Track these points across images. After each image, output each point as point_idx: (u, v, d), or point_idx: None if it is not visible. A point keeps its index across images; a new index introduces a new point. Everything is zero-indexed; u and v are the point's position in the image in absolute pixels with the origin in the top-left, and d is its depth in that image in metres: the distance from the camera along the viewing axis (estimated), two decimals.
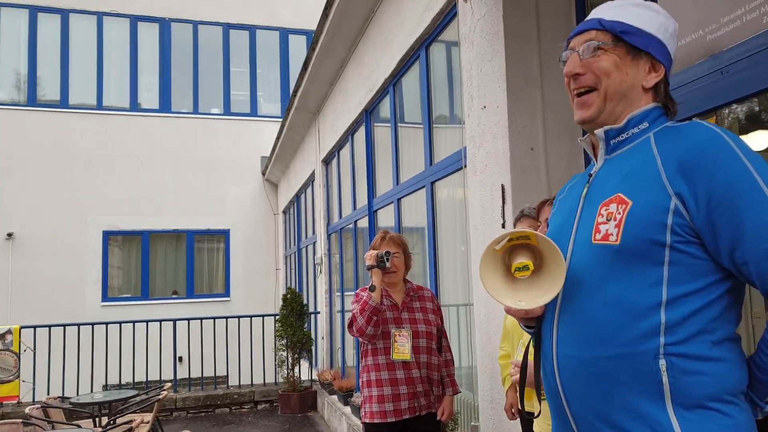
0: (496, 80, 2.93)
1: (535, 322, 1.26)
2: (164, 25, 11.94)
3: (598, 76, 1.19)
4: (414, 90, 4.63)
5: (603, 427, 1.09)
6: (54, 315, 9.95)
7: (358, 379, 6.21)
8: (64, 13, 11.41)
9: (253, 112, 12.44)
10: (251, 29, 12.49)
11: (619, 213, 1.10)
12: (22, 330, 7.02)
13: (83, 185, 11.11)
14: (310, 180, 8.87)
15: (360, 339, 2.77)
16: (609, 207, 1.13)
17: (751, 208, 1.00)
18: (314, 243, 8.59)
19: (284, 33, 12.69)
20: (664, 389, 1.02)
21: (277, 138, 9.73)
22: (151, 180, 11.51)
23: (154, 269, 11.58)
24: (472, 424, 3.31)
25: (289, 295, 7.81)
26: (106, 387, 8.16)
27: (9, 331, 6.91)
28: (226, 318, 8.49)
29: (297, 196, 10.36)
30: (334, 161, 7.48)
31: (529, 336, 1.34)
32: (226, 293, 11.91)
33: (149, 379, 7.95)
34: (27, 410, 4.37)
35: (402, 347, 2.66)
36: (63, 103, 11.30)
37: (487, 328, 3.02)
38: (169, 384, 5.68)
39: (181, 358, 8.15)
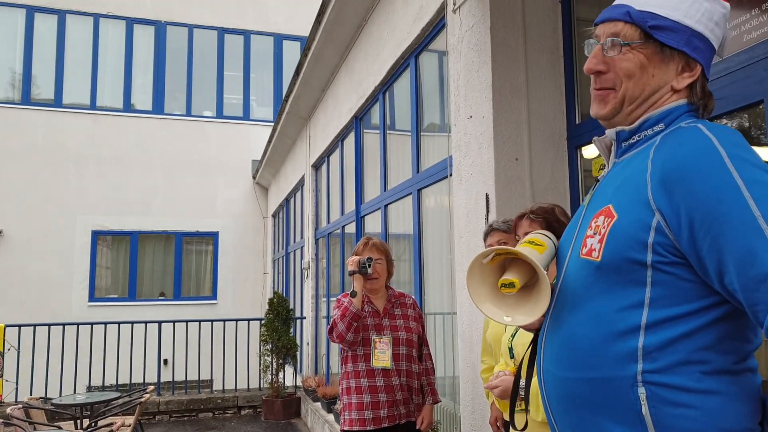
0: (482, 90, 2.96)
1: (534, 333, 1.22)
2: (160, 28, 11.95)
3: (618, 76, 1.06)
4: (403, 98, 4.66)
5: None
6: (40, 314, 9.87)
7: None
8: (61, 14, 11.40)
9: (246, 115, 12.45)
10: (246, 34, 12.53)
11: (604, 227, 1.01)
12: (7, 328, 6.95)
13: (74, 184, 11.07)
14: (300, 184, 8.87)
15: (340, 345, 2.76)
16: (598, 219, 1.04)
17: (736, 230, 0.87)
18: (302, 247, 8.58)
19: (278, 39, 12.74)
20: (646, 420, 0.93)
21: (269, 142, 9.74)
22: (142, 181, 11.47)
23: (141, 270, 11.52)
24: None
25: (275, 300, 7.78)
26: (89, 388, 8.08)
27: None
28: (212, 321, 8.45)
29: (286, 200, 10.35)
30: (324, 166, 7.49)
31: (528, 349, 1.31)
32: (213, 296, 11.86)
33: (133, 381, 7.88)
34: (8, 410, 4.32)
35: (382, 354, 2.66)
36: (57, 102, 11.27)
37: (470, 337, 3.03)
38: (153, 387, 5.64)
39: (166, 361, 8.11)
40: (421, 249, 4.16)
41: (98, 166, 11.25)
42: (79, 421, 5.05)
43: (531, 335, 1.51)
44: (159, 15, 11.92)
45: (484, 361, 2.55)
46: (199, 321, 8.33)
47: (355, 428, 2.67)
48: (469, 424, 3.04)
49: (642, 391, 0.93)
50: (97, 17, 11.60)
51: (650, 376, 0.93)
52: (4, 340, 6.85)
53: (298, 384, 8.02)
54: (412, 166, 4.29)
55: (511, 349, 2.05)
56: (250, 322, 8.33)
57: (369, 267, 2.72)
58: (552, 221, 1.88)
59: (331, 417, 5.90)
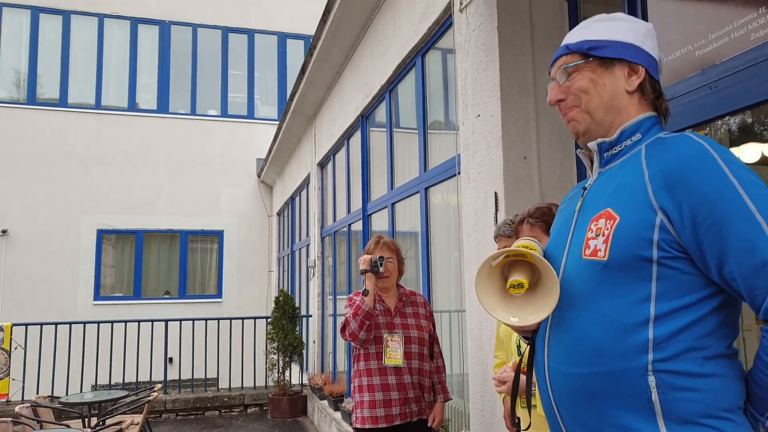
0: (490, 89, 2.97)
1: (530, 334, 1.26)
2: (164, 27, 11.98)
3: (577, 96, 1.21)
4: (410, 96, 4.67)
5: None
6: (45, 312, 9.92)
7: (349, 385, 6.22)
8: (66, 15, 11.45)
9: (250, 114, 12.48)
10: (250, 33, 12.55)
11: (607, 229, 1.09)
12: (14, 327, 6.99)
13: (79, 183, 11.12)
14: (305, 183, 8.89)
15: (352, 343, 2.78)
16: (598, 222, 1.12)
17: (736, 224, 0.97)
18: (308, 246, 8.61)
19: (282, 37, 12.76)
20: (655, 406, 1.01)
21: (274, 141, 9.76)
22: (147, 180, 11.51)
23: (147, 269, 11.56)
24: None
25: (281, 298, 7.81)
26: (95, 387, 8.13)
27: (0, 328, 6.88)
28: (218, 319, 8.48)
29: (291, 199, 10.37)
30: (330, 165, 7.50)
31: (525, 347, 1.35)
32: (219, 294, 11.90)
33: (139, 379, 7.93)
34: (17, 409, 4.36)
35: (394, 352, 2.68)
36: (62, 102, 11.31)
37: (480, 335, 3.05)
38: (160, 385, 5.67)
39: (171, 359, 8.14)
40: (429, 247, 4.17)
41: (103, 166, 11.30)
42: (87, 419, 5.09)
43: None
44: (163, 15, 11.95)
45: (497, 356, 2.58)
46: (206, 319, 8.37)
47: (367, 426, 2.69)
48: (478, 422, 3.06)
49: (652, 380, 1.01)
50: (101, 17, 11.64)
51: (659, 364, 1.01)
52: (11, 339, 6.90)
53: (304, 382, 8.05)
54: (420, 164, 4.31)
55: (518, 347, 2.08)
56: (257, 320, 8.36)
57: (381, 266, 2.74)
58: (551, 221, 1.91)
59: (338, 415, 5.92)
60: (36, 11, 11.28)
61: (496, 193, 2.89)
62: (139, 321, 7.88)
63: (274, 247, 12.23)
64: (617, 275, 1.06)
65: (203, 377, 8.35)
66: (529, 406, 1.87)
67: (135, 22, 11.82)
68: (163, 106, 11.87)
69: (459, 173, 3.39)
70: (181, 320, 8.04)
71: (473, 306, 3.11)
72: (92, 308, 10.84)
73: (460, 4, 3.29)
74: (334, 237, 7.28)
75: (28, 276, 10.58)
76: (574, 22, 2.91)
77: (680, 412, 1.00)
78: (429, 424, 2.83)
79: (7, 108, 10.95)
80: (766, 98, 1.80)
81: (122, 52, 11.74)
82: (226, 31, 12.38)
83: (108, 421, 4.85)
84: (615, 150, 1.19)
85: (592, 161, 1.27)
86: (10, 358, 6.85)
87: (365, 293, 2.71)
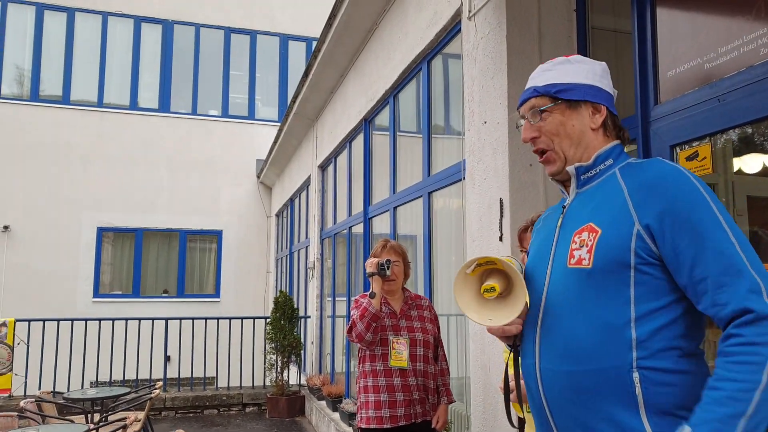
0: (497, 97, 3.01)
1: (511, 341, 1.37)
2: (167, 26, 12.00)
3: (549, 138, 1.34)
4: (414, 101, 4.71)
5: None
6: (45, 309, 9.92)
7: (347, 385, 6.25)
8: (70, 12, 11.46)
9: (251, 115, 12.51)
10: (252, 34, 12.59)
11: (590, 240, 1.22)
12: (17, 323, 7.01)
13: (80, 181, 11.12)
14: (306, 184, 8.92)
15: (359, 344, 2.82)
16: (581, 235, 1.25)
17: (714, 233, 1.10)
18: (307, 247, 8.63)
19: (284, 39, 12.79)
20: (638, 399, 1.12)
21: (274, 142, 9.78)
22: (147, 178, 11.53)
23: (146, 267, 11.57)
24: None
25: (280, 299, 7.84)
26: (95, 383, 8.13)
27: (4, 324, 6.90)
28: (218, 319, 8.50)
29: (291, 200, 10.40)
30: (331, 167, 7.54)
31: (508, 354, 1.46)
32: (216, 294, 11.92)
33: (139, 377, 7.94)
34: (22, 404, 4.39)
35: (399, 354, 2.72)
36: (64, 99, 11.32)
37: (482, 338, 3.08)
38: (161, 383, 5.69)
39: (169, 358, 8.15)
40: (431, 251, 4.21)
41: (104, 163, 11.31)
42: (90, 415, 5.11)
43: None
44: (166, 14, 11.97)
45: (506, 350, 2.62)
46: (206, 318, 8.39)
47: (372, 426, 2.73)
48: (479, 425, 3.10)
49: (636, 376, 1.12)
50: (105, 15, 11.66)
51: (642, 362, 1.13)
52: (14, 334, 6.91)
53: (302, 382, 8.08)
54: (423, 169, 4.34)
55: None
56: (255, 320, 8.38)
57: (388, 269, 2.78)
58: None
59: (336, 415, 5.95)
60: (41, 8, 11.30)
61: (501, 200, 2.93)
62: (140, 319, 7.90)
63: (273, 248, 12.25)
64: (601, 281, 1.19)
65: (202, 376, 8.37)
66: (521, 405, 1.91)
67: (138, 20, 11.84)
68: (164, 105, 11.89)
69: (464, 179, 3.43)
70: (181, 319, 8.07)
71: None
72: (91, 305, 10.84)
73: (469, 11, 3.33)
74: (333, 239, 7.31)
75: (29, 272, 10.58)
76: (582, 32, 2.95)
77: (660, 405, 1.11)
78: (433, 426, 2.86)
79: (10, 104, 10.96)
80: None
81: (125, 50, 11.76)
82: (229, 31, 12.41)
83: (110, 418, 4.87)
84: (590, 173, 1.33)
85: (563, 184, 1.40)
86: (13, 353, 6.86)
87: (372, 296, 2.74)
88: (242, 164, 12.22)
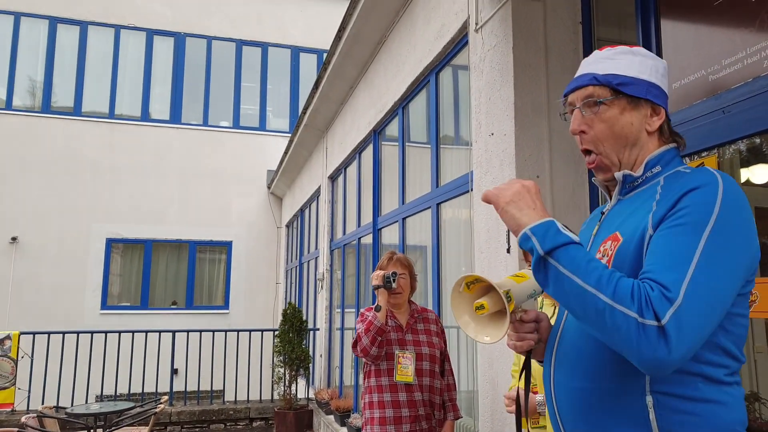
0: (504, 109, 3.00)
1: (525, 354, 1.32)
2: (179, 39, 12.15)
3: (598, 139, 1.22)
4: (422, 113, 4.71)
5: None
6: (52, 320, 9.97)
7: (356, 400, 6.19)
8: (83, 25, 11.64)
9: (262, 126, 12.59)
10: (264, 46, 12.71)
11: (611, 249, 1.14)
12: (21, 336, 7.02)
13: (90, 192, 11.22)
14: (315, 195, 8.94)
15: (364, 359, 2.79)
16: (606, 244, 1.17)
17: (683, 234, 1.01)
18: (316, 258, 8.63)
19: (295, 51, 12.91)
20: (652, 426, 1.03)
21: (285, 153, 9.83)
22: (157, 189, 11.61)
23: (154, 278, 11.61)
24: None
25: (289, 311, 7.81)
26: (100, 398, 8.13)
27: (8, 337, 6.90)
28: (226, 331, 8.49)
29: (301, 211, 10.42)
30: (341, 178, 7.55)
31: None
32: (226, 306, 11.92)
33: (145, 390, 7.92)
34: (23, 419, 4.38)
35: (405, 369, 2.68)
36: (76, 111, 11.46)
37: (490, 352, 3.05)
38: (166, 397, 5.67)
39: (176, 370, 8.15)
40: (440, 262, 4.19)
41: (115, 175, 11.41)
42: (92, 431, 5.10)
43: None
44: (179, 27, 12.13)
45: (515, 363, 2.59)
46: (213, 331, 8.38)
47: None
48: None
49: (650, 400, 1.04)
50: (118, 29, 11.83)
51: (657, 385, 1.04)
52: (18, 347, 6.91)
53: (310, 396, 8.03)
54: (432, 180, 4.33)
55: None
56: (264, 332, 8.37)
57: (393, 282, 2.75)
58: None
59: (344, 430, 5.90)
60: (54, 21, 11.49)
61: None
62: (146, 331, 7.91)
63: (282, 259, 12.26)
64: None
65: (209, 389, 8.35)
66: (526, 420, 1.90)
67: (151, 33, 12.00)
68: (175, 116, 12.01)
69: (471, 190, 3.42)
70: (188, 331, 8.06)
71: None
72: (99, 317, 10.88)
73: (476, 24, 3.34)
74: (343, 250, 7.30)
75: (37, 283, 10.64)
76: (587, 44, 2.94)
77: None
78: None
79: (22, 116, 11.10)
80: None
81: (137, 62, 11.90)
82: (240, 43, 12.55)
83: None
84: (637, 181, 1.22)
85: (607, 188, 1.30)
86: (16, 367, 6.87)
87: (377, 309, 2.72)
88: (253, 175, 12.28)
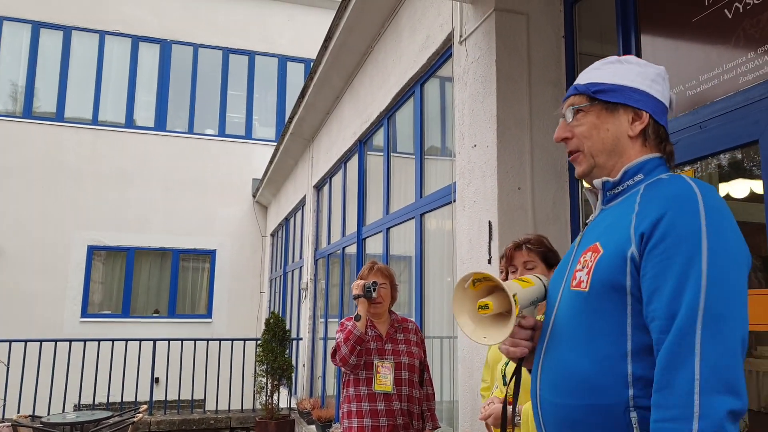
0: (487, 121, 3.03)
1: (517, 362, 1.29)
2: (165, 46, 12.09)
3: (580, 140, 1.25)
4: (407, 123, 4.74)
5: None
6: (32, 328, 9.79)
7: (338, 410, 6.15)
8: (67, 30, 11.53)
9: (248, 134, 12.54)
10: (250, 55, 12.69)
11: (591, 261, 1.13)
12: None
13: (72, 199, 11.06)
14: (301, 204, 8.91)
15: (342, 368, 2.78)
16: (586, 255, 1.16)
17: (678, 265, 0.99)
18: (300, 267, 8.59)
19: (282, 60, 12.90)
20: None
21: (270, 162, 9.81)
22: (141, 197, 11.49)
23: (137, 287, 11.46)
24: None
25: (272, 320, 7.75)
26: (78, 407, 7.98)
27: None
28: (208, 340, 8.40)
29: (286, 220, 10.38)
30: (326, 187, 7.54)
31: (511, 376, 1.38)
32: (209, 314, 11.79)
33: (124, 399, 7.79)
34: None
35: (384, 379, 2.68)
36: (58, 116, 11.32)
37: (470, 362, 3.05)
38: (145, 406, 5.59)
39: (158, 379, 8.04)
40: (422, 272, 4.19)
41: (97, 181, 11.27)
42: None
43: None
44: (165, 34, 12.06)
45: (485, 380, 2.58)
46: (195, 340, 8.28)
47: None
48: None
49: (634, 415, 1.02)
50: (102, 34, 11.73)
51: (640, 400, 1.01)
52: None
53: (292, 406, 7.95)
54: (416, 191, 4.35)
55: (504, 376, 2.09)
56: (246, 342, 8.29)
57: (374, 291, 2.75)
58: (546, 251, 2.00)
59: None
60: (37, 26, 11.36)
61: (490, 222, 2.93)
62: (126, 340, 7.80)
63: (267, 268, 12.18)
64: (597, 306, 1.09)
65: (190, 398, 8.23)
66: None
67: (136, 40, 11.92)
68: (160, 123, 11.92)
69: (454, 201, 3.43)
70: (169, 340, 7.96)
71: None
72: (79, 325, 10.69)
73: (460, 36, 3.37)
74: (327, 259, 7.28)
75: (16, 291, 10.44)
76: (570, 57, 2.99)
77: None
78: None
79: (3, 121, 10.93)
80: (753, 140, 1.86)
81: (122, 69, 11.80)
82: (227, 51, 12.52)
83: None
84: (617, 189, 1.22)
85: (595, 196, 1.30)
86: None
87: (357, 318, 2.71)
88: (238, 183, 12.21)
